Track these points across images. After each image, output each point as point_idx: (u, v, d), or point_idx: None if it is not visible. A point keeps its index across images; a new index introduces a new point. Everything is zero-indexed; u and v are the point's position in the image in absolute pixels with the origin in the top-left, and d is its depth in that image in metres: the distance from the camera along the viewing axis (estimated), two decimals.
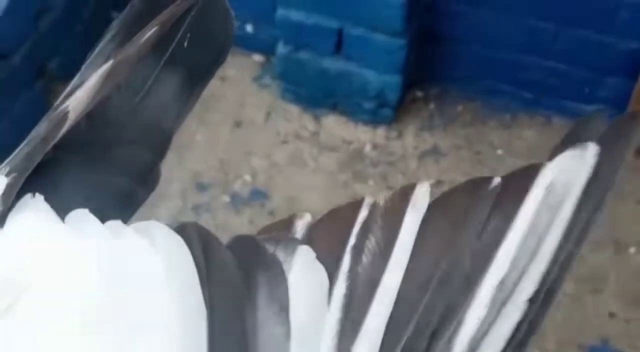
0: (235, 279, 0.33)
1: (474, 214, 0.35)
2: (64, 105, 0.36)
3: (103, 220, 0.35)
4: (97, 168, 0.38)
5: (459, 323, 0.33)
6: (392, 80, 1.75)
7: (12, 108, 1.68)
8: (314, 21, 1.71)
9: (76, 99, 0.36)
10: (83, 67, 0.39)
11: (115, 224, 0.34)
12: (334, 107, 1.84)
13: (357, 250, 0.34)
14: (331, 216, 0.37)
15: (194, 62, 0.40)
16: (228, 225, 1.67)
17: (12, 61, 1.65)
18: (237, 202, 1.72)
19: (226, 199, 1.72)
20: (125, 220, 0.37)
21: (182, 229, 0.34)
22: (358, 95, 1.79)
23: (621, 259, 1.62)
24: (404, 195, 0.35)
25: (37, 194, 0.34)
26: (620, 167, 0.37)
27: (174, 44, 0.39)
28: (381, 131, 1.82)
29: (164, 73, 0.39)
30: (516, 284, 0.34)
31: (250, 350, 0.31)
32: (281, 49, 1.78)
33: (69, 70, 1.88)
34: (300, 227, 0.36)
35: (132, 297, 0.31)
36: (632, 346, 1.50)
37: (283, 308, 0.33)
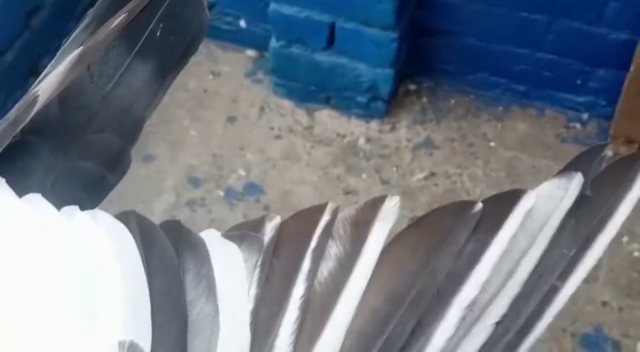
0: (170, 256, 0.34)
1: (453, 236, 0.35)
2: (34, 90, 0.36)
3: (71, 203, 0.36)
4: (68, 153, 0.39)
5: (427, 339, 0.34)
6: (385, 74, 1.76)
7: (5, 105, 1.68)
8: (306, 15, 1.72)
9: (46, 84, 0.37)
10: (57, 54, 0.40)
11: (68, 208, 0.35)
12: (327, 101, 1.85)
13: (319, 254, 0.35)
14: (295, 218, 0.38)
15: (166, 51, 0.41)
16: (223, 220, 1.68)
17: (5, 59, 1.66)
18: (231, 196, 1.72)
19: (220, 193, 1.73)
20: (95, 204, 0.38)
21: (122, 215, 0.35)
22: (351, 89, 1.80)
23: (614, 248, 1.63)
24: (373, 207, 0.36)
25: None
26: (620, 209, 0.37)
27: (146, 33, 0.40)
28: (374, 125, 1.83)
29: (136, 61, 0.40)
30: (486, 306, 0.35)
31: (185, 324, 0.33)
32: (274, 44, 1.78)
33: None
34: (270, 228, 0.37)
35: (84, 265, 0.33)
36: (625, 334, 1.52)
37: (210, 285, 0.34)
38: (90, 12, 0.41)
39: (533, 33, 1.75)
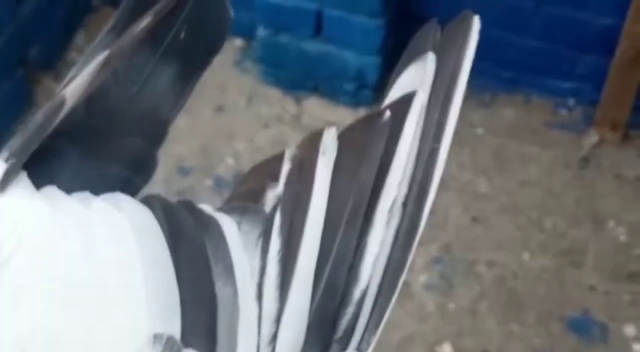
0: (197, 241, 0.35)
1: (371, 149, 0.37)
2: (61, 93, 0.37)
3: None
4: (95, 156, 0.39)
5: (364, 249, 0.35)
6: (372, 62, 1.76)
7: None
8: (293, 4, 1.72)
9: (73, 87, 0.37)
10: (81, 58, 0.40)
11: (84, 195, 0.35)
12: (315, 90, 1.85)
13: (285, 203, 0.36)
14: (256, 171, 0.39)
15: (190, 52, 0.41)
16: None
17: None
18: (220, 185, 1.73)
19: (210, 182, 1.73)
20: None
21: (145, 200, 0.36)
22: (338, 77, 1.80)
23: (600, 233, 1.64)
24: (313, 142, 0.37)
25: (21, 173, 0.35)
26: (463, 63, 0.39)
27: (170, 35, 0.40)
28: (362, 112, 1.83)
29: (160, 64, 0.40)
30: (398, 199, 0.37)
31: (215, 311, 0.33)
32: (261, 32, 1.79)
33: (50, 58, 1.89)
34: (270, 198, 0.38)
35: (105, 257, 0.33)
36: (612, 317, 1.53)
37: (227, 267, 0.34)
38: (114, 16, 0.41)
39: (519, 19, 1.76)
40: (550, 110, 1.83)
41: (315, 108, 1.84)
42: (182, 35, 0.40)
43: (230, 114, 1.83)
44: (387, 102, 0.40)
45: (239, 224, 0.36)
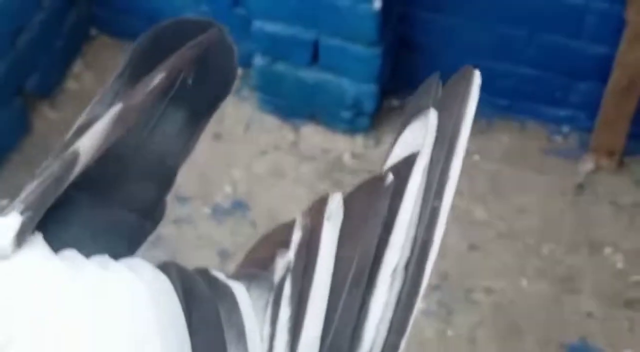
0: (212, 309, 0.35)
1: (374, 213, 0.37)
2: (75, 146, 0.37)
3: (110, 255, 0.37)
4: (105, 203, 0.39)
5: (367, 311, 0.36)
6: (369, 89, 1.78)
7: None
8: (289, 33, 1.74)
9: (87, 142, 0.37)
10: (92, 102, 0.41)
11: (102, 259, 0.36)
12: (312, 117, 1.86)
13: (294, 271, 0.37)
14: (267, 238, 0.40)
15: (198, 98, 0.41)
16: (209, 236, 1.69)
17: None
18: (218, 213, 1.73)
19: (207, 210, 1.74)
20: (133, 252, 0.39)
21: (163, 266, 0.36)
22: (335, 105, 1.81)
23: (597, 259, 1.64)
24: (320, 208, 0.38)
25: (35, 232, 0.35)
26: (464, 120, 0.40)
27: (178, 82, 0.40)
28: (359, 140, 1.84)
29: (169, 110, 0.40)
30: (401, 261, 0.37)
31: None
32: (258, 61, 1.80)
33: (48, 86, 1.89)
34: (280, 266, 0.38)
35: (121, 329, 0.33)
36: (610, 344, 1.53)
37: (240, 333, 0.35)
38: (123, 61, 0.42)
39: (514, 47, 1.77)
40: (545, 136, 1.84)
41: (312, 135, 1.85)
42: (191, 81, 0.40)
43: (227, 142, 1.84)
44: (389, 162, 0.40)
45: (248, 290, 0.37)
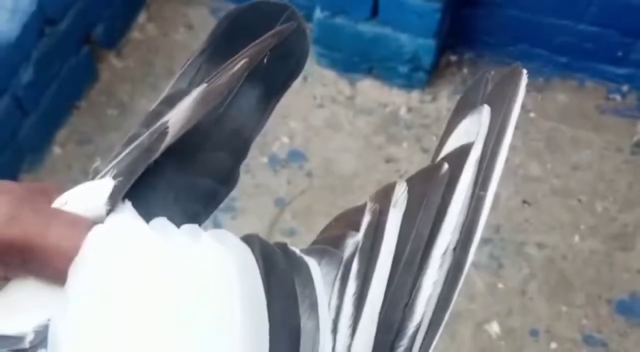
0: (289, 281, 0.39)
1: (429, 200, 0.41)
2: (164, 119, 0.41)
3: (189, 217, 0.41)
4: (186, 170, 0.43)
5: (418, 290, 0.39)
6: (427, 44, 1.79)
7: (60, 72, 1.74)
8: None
9: (174, 117, 0.41)
10: (176, 76, 0.45)
11: (192, 229, 0.39)
12: (369, 72, 1.88)
13: (362, 251, 0.40)
14: (340, 219, 0.43)
15: (272, 77, 0.45)
16: (267, 185, 1.73)
17: (59, 28, 1.72)
18: (275, 163, 1.77)
19: (265, 160, 1.78)
20: (208, 216, 0.43)
21: (245, 238, 0.40)
22: (393, 59, 1.83)
23: None
24: (387, 194, 0.41)
25: (126, 200, 0.39)
26: (510, 118, 0.42)
27: (255, 62, 0.44)
28: (415, 95, 1.86)
29: (245, 88, 0.44)
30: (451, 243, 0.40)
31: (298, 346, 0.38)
32: (318, 14, 1.82)
33: (113, 37, 1.94)
34: (350, 245, 0.41)
35: (210, 295, 0.37)
36: None
37: (313, 305, 0.38)
38: (205, 39, 0.45)
39: (575, 5, 1.76)
40: (603, 95, 1.84)
41: (369, 90, 1.87)
42: (265, 61, 0.44)
43: (285, 94, 1.86)
44: (444, 152, 0.43)
45: (319, 265, 0.40)
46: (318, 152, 1.79)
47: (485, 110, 0.43)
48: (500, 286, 1.58)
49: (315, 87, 1.88)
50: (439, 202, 0.40)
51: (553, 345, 1.51)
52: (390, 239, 0.40)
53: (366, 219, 0.41)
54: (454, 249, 0.40)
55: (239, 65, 0.42)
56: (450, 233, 0.40)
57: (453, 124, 0.44)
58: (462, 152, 0.42)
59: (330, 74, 1.89)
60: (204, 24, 1.98)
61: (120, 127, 1.79)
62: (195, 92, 0.42)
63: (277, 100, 0.46)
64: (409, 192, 0.41)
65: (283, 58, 0.45)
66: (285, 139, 1.80)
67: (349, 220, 0.42)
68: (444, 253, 0.39)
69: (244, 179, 1.74)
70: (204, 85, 0.42)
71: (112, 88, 1.87)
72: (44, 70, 1.68)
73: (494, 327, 1.52)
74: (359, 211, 0.42)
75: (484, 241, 1.61)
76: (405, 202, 0.41)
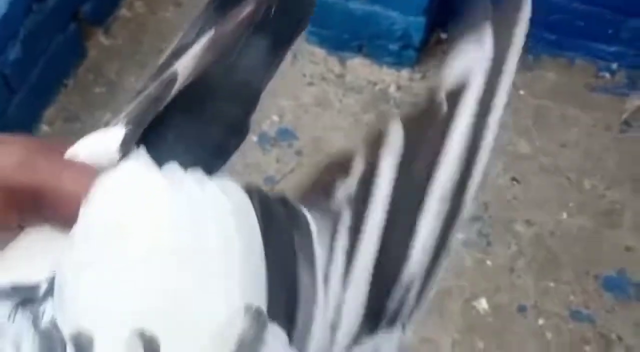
0: (286, 231, 0.39)
1: (428, 139, 0.40)
2: (173, 68, 0.41)
3: (201, 165, 0.41)
4: (196, 120, 0.43)
5: (414, 233, 0.38)
6: (417, 22, 1.78)
7: (48, 48, 1.73)
8: None
9: (183, 64, 0.41)
10: (186, 28, 0.45)
11: (198, 176, 0.39)
12: (359, 50, 1.88)
13: (355, 201, 0.40)
14: (331, 166, 0.43)
15: (279, 29, 0.44)
16: (256, 163, 1.73)
17: (47, 4, 1.70)
18: (264, 141, 1.77)
19: (254, 138, 1.77)
20: (220, 166, 0.43)
21: (245, 187, 0.40)
22: (383, 37, 1.82)
23: (638, 195, 1.65)
24: (380, 138, 0.41)
25: (141, 146, 0.39)
26: (511, 48, 0.41)
27: (263, 12, 0.44)
28: (405, 73, 1.85)
29: (253, 38, 0.44)
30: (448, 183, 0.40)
31: (295, 294, 0.38)
32: None
33: (101, 13, 1.92)
34: (342, 194, 0.41)
35: (212, 241, 0.37)
36: None
37: (310, 259, 0.38)
38: None
39: None
40: (593, 73, 1.84)
41: (359, 68, 1.87)
42: (272, 12, 0.44)
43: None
44: (443, 86, 0.42)
45: (309, 212, 0.40)
46: (308, 130, 1.79)
47: (488, 37, 0.41)
48: (488, 263, 1.58)
49: (305, 65, 1.88)
50: (438, 143, 0.39)
51: (540, 321, 1.51)
52: (384, 187, 0.39)
53: (358, 165, 0.40)
54: (451, 198, 0.39)
55: (245, 12, 0.42)
56: (447, 180, 0.39)
57: (453, 44, 0.41)
58: (461, 90, 0.40)
59: (320, 52, 1.89)
60: (192, 2, 1.97)
61: (108, 105, 1.78)
62: (204, 39, 0.42)
63: (286, 51, 0.46)
64: (404, 136, 0.40)
65: (290, 10, 0.45)
66: (275, 117, 1.80)
67: (340, 166, 0.41)
68: (441, 200, 0.39)
69: (233, 157, 1.73)
70: (211, 33, 0.42)
71: (100, 66, 1.86)
72: (32, 48, 1.67)
73: (482, 304, 1.53)
74: (351, 155, 0.41)
75: (473, 219, 1.61)
76: (401, 147, 0.40)
